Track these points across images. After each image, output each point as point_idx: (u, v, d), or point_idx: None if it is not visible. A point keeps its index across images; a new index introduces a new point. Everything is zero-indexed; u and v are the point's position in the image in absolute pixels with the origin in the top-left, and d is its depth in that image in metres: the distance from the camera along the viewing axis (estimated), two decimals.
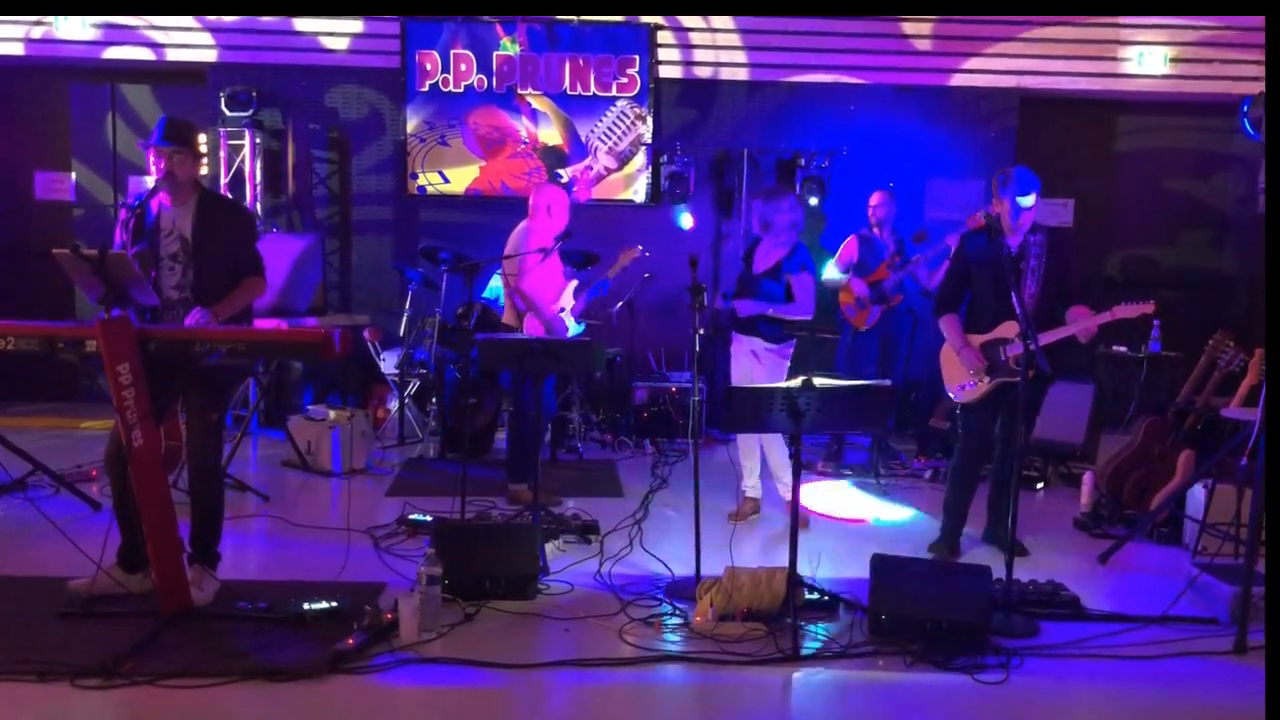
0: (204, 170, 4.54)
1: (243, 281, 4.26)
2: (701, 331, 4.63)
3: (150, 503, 3.81)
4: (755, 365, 5.64)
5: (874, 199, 7.34)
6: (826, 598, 4.34)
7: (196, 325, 3.96)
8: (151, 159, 4.08)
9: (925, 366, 7.80)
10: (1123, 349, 7.16)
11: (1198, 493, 5.26)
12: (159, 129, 4.09)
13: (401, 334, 7.86)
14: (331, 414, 6.71)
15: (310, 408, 7.00)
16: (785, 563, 4.30)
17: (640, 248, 6.02)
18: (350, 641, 3.76)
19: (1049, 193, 8.55)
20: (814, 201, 8.10)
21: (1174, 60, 8.47)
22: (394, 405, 7.75)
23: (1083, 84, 8.56)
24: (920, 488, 6.74)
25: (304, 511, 5.75)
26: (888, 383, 4.15)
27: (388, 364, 7.81)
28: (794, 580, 4.16)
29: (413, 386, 7.73)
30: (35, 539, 5.02)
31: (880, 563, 4.18)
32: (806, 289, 5.57)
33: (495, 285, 7.62)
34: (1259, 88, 8.39)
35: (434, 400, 7.55)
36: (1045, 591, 4.48)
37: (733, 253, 8.44)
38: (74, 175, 8.96)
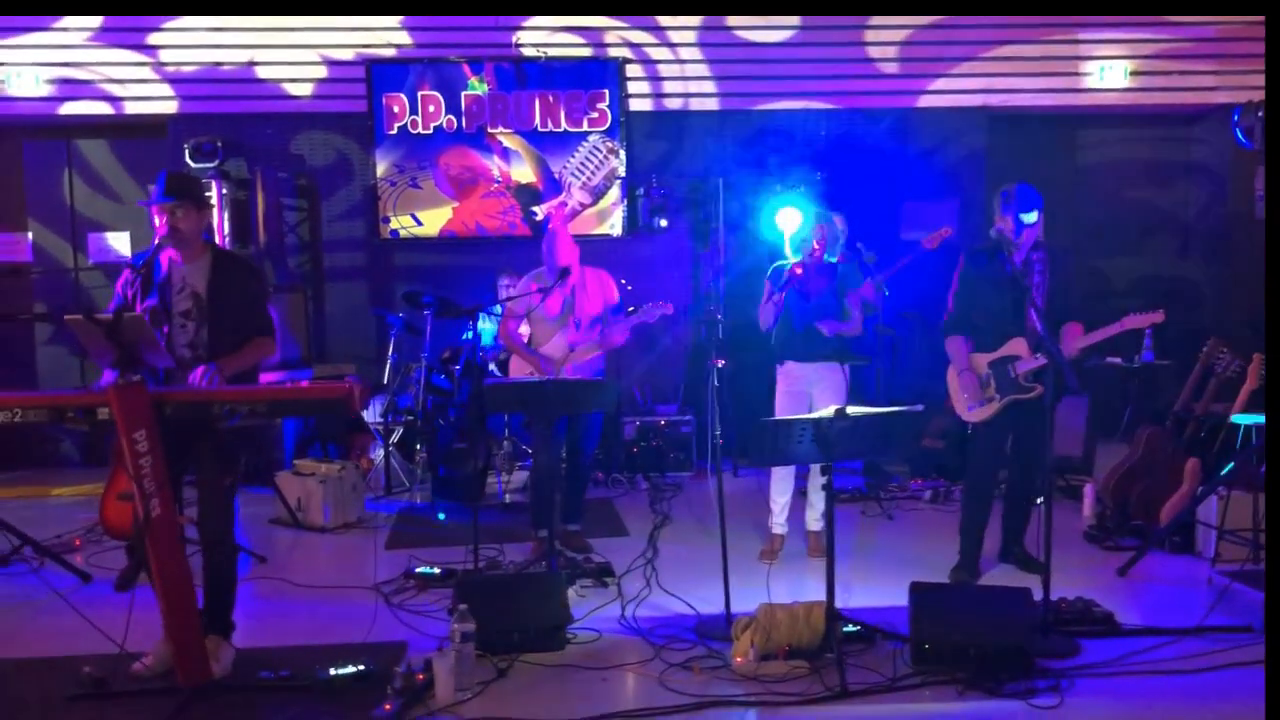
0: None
1: (253, 340, 4.11)
2: (721, 363, 4.55)
3: (169, 574, 3.63)
4: (829, 392, 5.33)
5: (837, 222, 7.31)
6: (863, 629, 4.27)
7: (203, 382, 3.80)
8: (155, 216, 3.93)
9: (909, 386, 7.82)
10: (1116, 360, 7.21)
11: (1211, 500, 5.27)
12: (160, 184, 3.94)
13: (385, 381, 7.69)
14: (321, 468, 6.52)
15: (296, 462, 6.80)
16: (812, 595, 4.24)
17: (669, 305, 5.79)
18: (387, 707, 3.60)
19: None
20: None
21: (1134, 73, 8.62)
22: (378, 454, 7.57)
23: (1047, 100, 8.68)
24: (922, 509, 6.71)
25: (304, 570, 5.55)
26: (919, 407, 4.09)
27: (371, 412, 7.63)
28: (832, 614, 4.09)
29: (397, 434, 7.56)
30: (24, 618, 4.78)
31: (919, 590, 4.12)
32: (858, 307, 5.50)
33: (482, 328, 7.51)
34: (1217, 97, 8.60)
35: (420, 448, 7.38)
36: (1078, 609, 4.45)
37: (709, 283, 8.40)
38: (30, 235, 8.68)
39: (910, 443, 4.29)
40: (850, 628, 4.23)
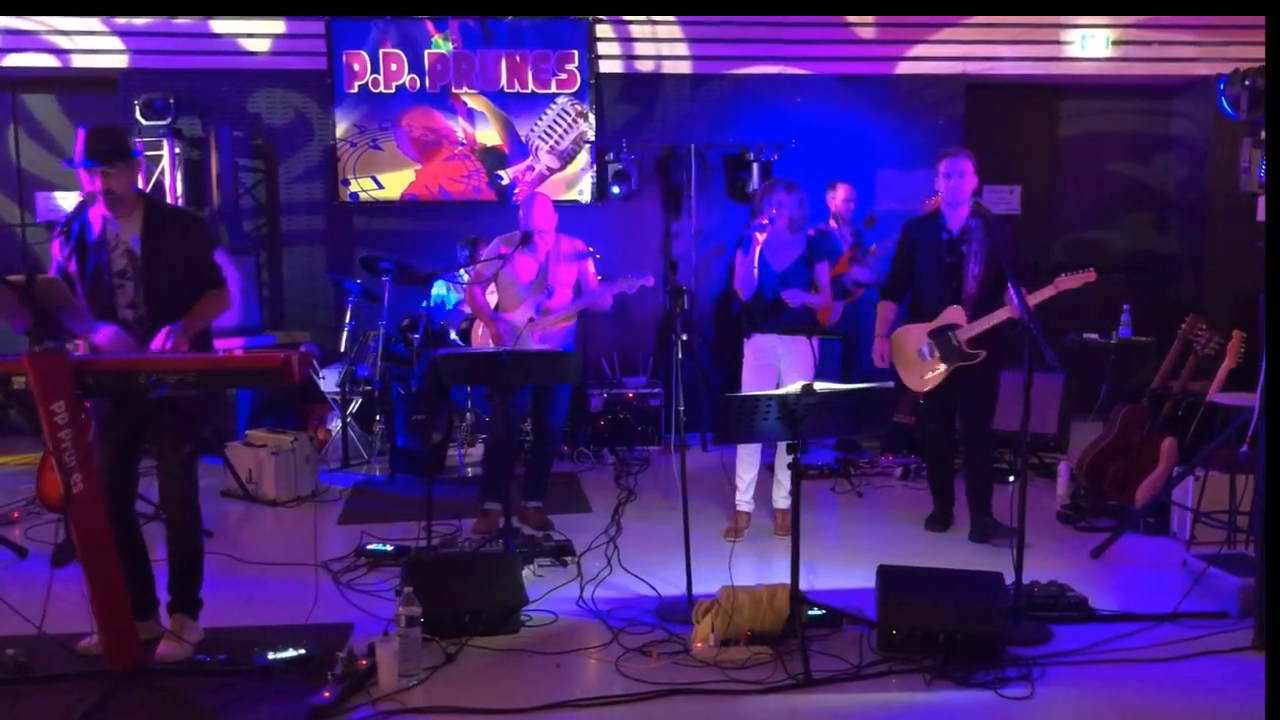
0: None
1: (205, 294, 3.86)
2: (685, 337, 4.35)
3: (94, 553, 3.41)
4: (796, 366, 5.20)
5: (843, 191, 7.16)
6: (829, 613, 4.10)
7: (166, 344, 3.57)
8: (83, 178, 3.67)
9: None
10: (1093, 336, 7.06)
11: (1187, 481, 5.14)
12: (82, 146, 3.65)
13: (343, 349, 7.44)
14: (273, 439, 6.29)
15: (248, 432, 6.56)
16: (778, 577, 4.08)
17: (651, 278, 5.58)
18: (326, 694, 3.42)
19: (996, 180, 8.54)
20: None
21: (1116, 43, 8.43)
22: (335, 425, 7.34)
23: (1026, 68, 8.48)
24: (893, 486, 6.56)
25: (251, 546, 5.34)
26: (890, 384, 3.92)
27: (328, 382, 7.39)
28: (797, 598, 3.93)
29: (355, 405, 7.33)
30: None
31: (887, 574, 3.97)
32: (826, 278, 5.34)
33: (438, 294, 7.28)
34: (1198, 69, 8.43)
35: (379, 419, 7.16)
36: (1051, 593, 4.30)
37: (681, 253, 8.19)
38: None
39: (881, 421, 4.10)
40: (815, 611, 4.07)
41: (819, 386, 3.73)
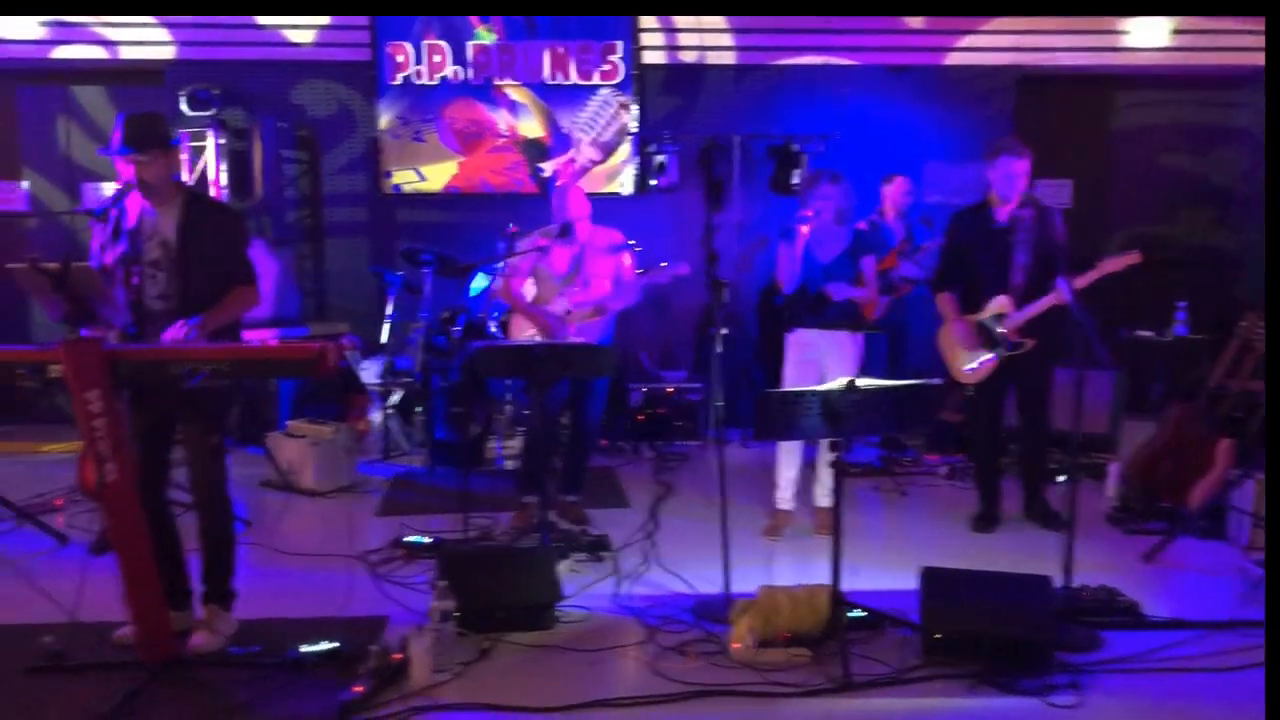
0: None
1: (233, 290, 3.83)
2: (725, 331, 4.27)
3: (127, 544, 3.40)
4: (839, 362, 5.09)
5: (900, 184, 7.03)
6: (870, 615, 4.01)
7: (179, 339, 3.54)
8: (119, 166, 3.66)
9: (932, 358, 7.52)
10: (1147, 333, 6.87)
11: (1246, 483, 4.97)
12: (119, 134, 3.63)
13: (384, 341, 7.44)
14: (313, 430, 6.29)
15: (290, 423, 6.57)
16: (818, 577, 3.99)
17: (686, 266, 5.53)
18: (358, 688, 3.38)
19: (1047, 174, 8.33)
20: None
21: (1175, 32, 8.19)
22: (376, 417, 7.34)
23: (1081, 59, 8.26)
24: (938, 485, 6.42)
25: (290, 537, 5.34)
26: (936, 380, 3.81)
27: (369, 373, 7.38)
28: (837, 599, 3.83)
29: (396, 396, 7.32)
30: None
31: (931, 576, 3.86)
32: (872, 272, 5.23)
33: (478, 286, 7.24)
34: (1261, 60, 8.16)
35: (419, 410, 7.14)
36: (1101, 598, 4.18)
37: (723, 245, 8.09)
38: (26, 184, 8.44)
39: (926, 417, 4.02)
40: (856, 613, 3.97)
41: (862, 382, 3.63)
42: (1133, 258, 4.80)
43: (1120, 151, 8.86)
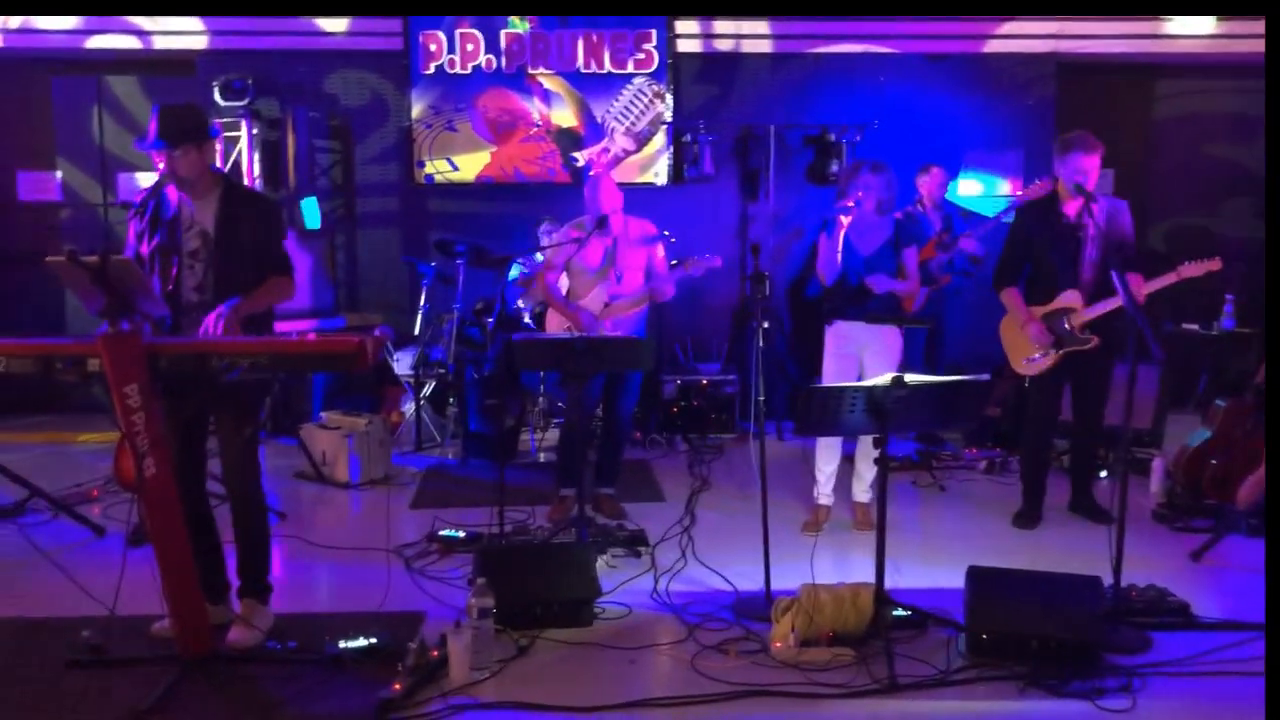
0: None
1: (268, 280, 3.79)
2: (766, 325, 4.20)
3: (166, 538, 3.38)
4: (880, 356, 5.04)
5: (936, 174, 6.93)
6: (913, 614, 3.93)
7: (215, 326, 3.51)
8: (155, 157, 3.62)
9: (968, 350, 7.42)
10: (1193, 326, 6.74)
11: None
12: (154, 127, 3.60)
13: (416, 332, 7.41)
14: (347, 421, 6.27)
15: (323, 414, 6.55)
16: (858, 573, 3.93)
17: (718, 259, 5.51)
18: (397, 686, 3.35)
19: None
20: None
21: (1220, 19, 8.02)
22: (409, 408, 7.32)
23: (1122, 46, 8.11)
24: (976, 480, 6.33)
25: (324, 530, 5.33)
26: (984, 376, 3.73)
27: (402, 364, 7.36)
28: (881, 598, 3.77)
29: (429, 388, 7.29)
30: (35, 573, 4.54)
31: (978, 575, 3.78)
32: (914, 264, 5.17)
33: (514, 277, 7.20)
34: None
35: (452, 402, 7.11)
36: (1150, 598, 4.08)
37: (758, 236, 8.01)
38: (59, 174, 8.47)
39: (974, 414, 3.92)
40: (899, 612, 3.90)
41: (909, 378, 3.55)
42: (1213, 264, 4.80)
43: (1162, 140, 8.71)
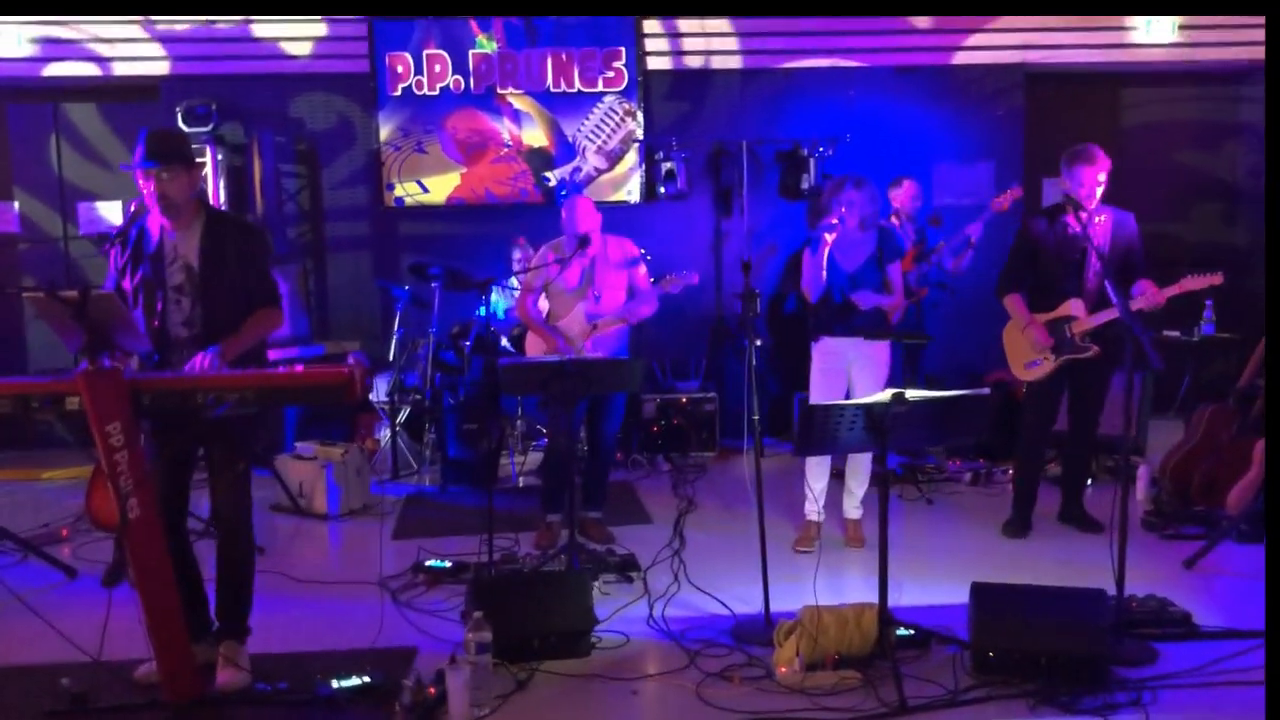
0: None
1: (257, 312, 3.69)
2: (759, 342, 4.13)
3: (151, 580, 3.25)
4: (868, 371, 5.02)
5: (908, 187, 6.91)
6: (916, 633, 3.88)
7: (204, 368, 3.39)
8: (140, 182, 3.50)
9: (946, 362, 7.42)
10: (1174, 333, 6.77)
11: None
12: (141, 147, 3.50)
13: (391, 358, 7.28)
14: (323, 451, 6.13)
15: (298, 444, 6.41)
16: (853, 591, 3.86)
17: (695, 275, 5.47)
18: None
19: (1055, 172, 8.22)
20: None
21: (1182, 28, 8.11)
22: (384, 435, 7.18)
23: (1088, 56, 8.18)
24: (963, 492, 6.31)
25: (305, 563, 5.19)
26: (985, 390, 3.69)
27: (377, 391, 7.23)
28: (885, 618, 3.70)
29: (404, 414, 7.17)
30: (6, 618, 4.38)
31: (981, 592, 3.73)
32: (898, 278, 5.14)
33: (496, 300, 7.10)
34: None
35: (430, 428, 6.99)
36: (1152, 609, 4.06)
37: (734, 252, 7.97)
38: (17, 205, 8.26)
39: (975, 429, 3.87)
40: (903, 631, 3.84)
41: (910, 394, 3.50)
42: (1215, 279, 4.82)
43: (1129, 148, 8.77)
